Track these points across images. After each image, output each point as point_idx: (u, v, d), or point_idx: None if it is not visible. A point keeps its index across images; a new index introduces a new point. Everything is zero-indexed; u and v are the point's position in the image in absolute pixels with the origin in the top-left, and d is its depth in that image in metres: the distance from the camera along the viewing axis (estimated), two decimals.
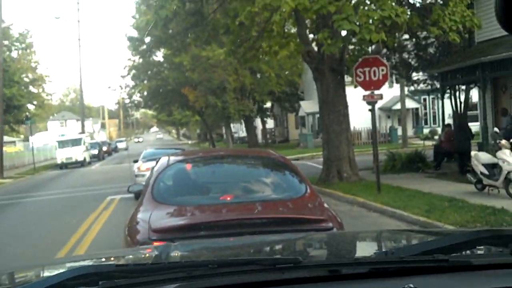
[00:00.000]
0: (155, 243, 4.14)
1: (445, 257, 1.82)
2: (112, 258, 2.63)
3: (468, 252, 2.01)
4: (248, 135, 43.07)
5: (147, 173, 14.92)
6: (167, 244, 3.09)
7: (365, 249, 2.70)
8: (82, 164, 38.72)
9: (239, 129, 62.56)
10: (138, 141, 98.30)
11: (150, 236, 4.29)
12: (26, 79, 38.82)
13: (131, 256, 2.81)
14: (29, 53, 41.77)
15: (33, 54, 42.30)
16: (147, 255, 2.77)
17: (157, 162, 6.12)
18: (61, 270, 2.07)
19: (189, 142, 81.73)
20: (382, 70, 12.96)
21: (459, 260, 1.86)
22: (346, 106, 16.06)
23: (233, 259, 2.14)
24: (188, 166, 6.04)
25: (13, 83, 34.81)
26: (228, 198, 5.10)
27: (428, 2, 12.73)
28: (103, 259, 2.56)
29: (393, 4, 11.39)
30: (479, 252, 2.07)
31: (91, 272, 1.70)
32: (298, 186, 5.45)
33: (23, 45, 41.33)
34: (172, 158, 6.05)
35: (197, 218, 4.74)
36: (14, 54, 40.76)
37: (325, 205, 5.24)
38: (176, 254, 2.47)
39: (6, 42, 36.56)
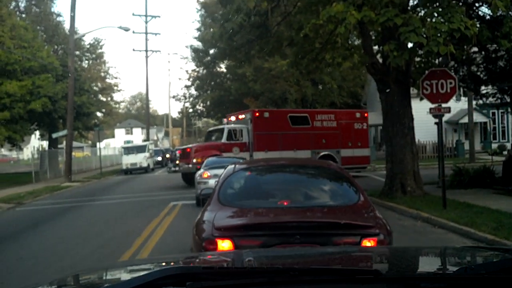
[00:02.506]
0: (218, 240, 4.74)
1: None
2: (192, 261, 2.72)
3: None
4: None
5: (209, 180, 15.40)
6: (238, 251, 3.19)
7: (439, 265, 2.67)
8: (146, 170, 39.54)
9: None
10: None
11: (213, 233, 4.83)
12: (95, 88, 40.39)
13: (205, 259, 2.89)
14: (99, 63, 43.43)
15: (103, 64, 43.96)
16: (220, 259, 2.83)
17: (225, 169, 6.66)
18: (144, 271, 2.17)
19: None
20: (450, 83, 12.66)
21: None
22: (411, 119, 15.77)
23: (314, 268, 2.17)
24: (251, 174, 6.66)
25: (83, 91, 36.28)
26: (285, 203, 5.54)
27: (499, 14, 12.27)
28: (181, 262, 2.63)
29: (462, 16, 11.07)
30: None
31: (178, 273, 1.77)
32: (352, 194, 5.81)
33: (94, 56, 43.06)
34: (237, 166, 6.66)
35: (255, 219, 5.18)
36: (85, 64, 42.62)
37: (377, 213, 5.41)
38: (251, 260, 2.52)
39: (77, 53, 38.21)
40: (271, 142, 24.12)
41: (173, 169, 25.43)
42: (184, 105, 55.75)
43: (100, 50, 43.01)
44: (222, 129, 25.13)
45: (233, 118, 26.60)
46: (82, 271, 2.49)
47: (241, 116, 25.65)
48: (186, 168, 23.77)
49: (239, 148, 24.01)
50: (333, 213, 5.33)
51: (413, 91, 16.20)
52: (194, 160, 23.34)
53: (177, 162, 24.95)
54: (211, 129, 30.00)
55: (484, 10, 14.37)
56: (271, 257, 2.78)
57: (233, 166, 6.64)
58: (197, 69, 44.89)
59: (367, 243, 4.75)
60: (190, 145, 27.08)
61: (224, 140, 24.06)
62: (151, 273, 1.82)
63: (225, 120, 28.51)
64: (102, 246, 10.61)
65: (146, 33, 42.46)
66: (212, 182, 15.51)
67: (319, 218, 5.13)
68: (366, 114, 28.10)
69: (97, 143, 41.37)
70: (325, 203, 5.71)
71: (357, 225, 4.94)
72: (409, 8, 13.59)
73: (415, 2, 13.76)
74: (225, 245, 4.78)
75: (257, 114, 24.74)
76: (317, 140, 25.28)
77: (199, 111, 54.52)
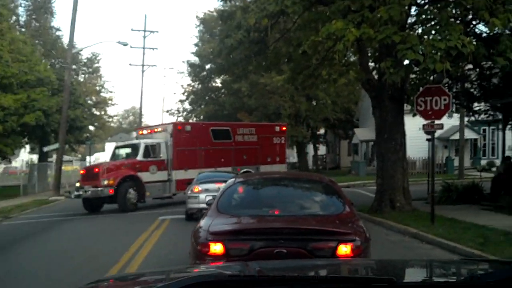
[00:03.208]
0: (211, 243, 5.41)
1: None
2: (207, 271, 2.82)
3: None
4: (299, 160, 43.17)
5: (200, 195, 15.33)
6: (244, 262, 3.35)
7: (445, 274, 2.74)
8: None
9: (290, 155, 62.60)
10: None
11: (207, 237, 5.52)
12: (90, 102, 40.37)
13: (216, 269, 2.99)
14: (95, 77, 43.49)
15: (99, 78, 44.04)
16: (229, 268, 2.89)
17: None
18: (158, 281, 2.28)
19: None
20: (444, 99, 12.76)
21: None
22: (403, 135, 15.96)
23: (333, 276, 2.32)
24: (249, 186, 7.42)
25: (78, 105, 36.22)
26: (276, 212, 6.28)
27: (495, 32, 12.56)
28: (195, 271, 2.73)
29: (460, 34, 11.36)
30: None
31: (207, 280, 1.88)
32: (338, 205, 6.54)
33: (90, 70, 43.14)
34: (237, 179, 7.52)
35: (245, 225, 5.95)
36: (81, 77, 42.63)
37: (360, 223, 6.08)
38: (261, 271, 2.55)
39: (74, 66, 38.30)
40: (192, 158, 21.83)
41: (76, 193, 20.43)
42: (177, 119, 55.77)
43: (96, 64, 43.16)
44: (137, 145, 21.55)
45: (145, 132, 23.54)
46: (94, 282, 2.52)
47: (158, 129, 22.80)
48: (95, 192, 19.71)
49: (157, 166, 21.05)
50: (316, 221, 5.98)
51: (406, 107, 16.45)
52: (106, 182, 19.55)
53: (78, 184, 20.84)
54: (120, 144, 25.08)
55: (481, 28, 14.69)
56: (279, 268, 2.85)
57: (233, 179, 7.53)
58: (193, 84, 45.13)
59: (343, 247, 5.36)
60: (98, 164, 22.51)
61: (140, 157, 20.73)
62: (180, 281, 1.90)
63: (134, 133, 24.36)
64: (89, 260, 10.43)
65: (144, 48, 42.61)
66: (203, 197, 15.31)
67: (301, 225, 5.74)
68: (284, 128, 26.90)
69: (87, 157, 41.14)
70: (312, 212, 6.42)
71: (334, 231, 5.60)
72: (407, 25, 13.89)
73: (413, 20, 14.03)
74: (216, 248, 5.40)
75: (180, 127, 22.29)
76: (238, 156, 23.51)
77: None
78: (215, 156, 22.60)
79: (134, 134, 23.41)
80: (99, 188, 19.48)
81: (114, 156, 22.61)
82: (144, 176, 20.53)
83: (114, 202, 20.06)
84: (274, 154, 25.39)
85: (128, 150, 22.25)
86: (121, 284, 2.61)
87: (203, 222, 6.03)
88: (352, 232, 5.63)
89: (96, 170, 20.42)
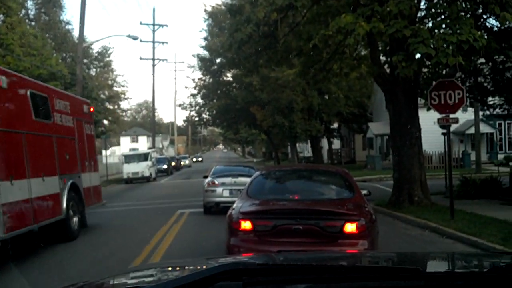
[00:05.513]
0: (241, 221, 6.56)
1: None
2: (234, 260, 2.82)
3: None
4: (314, 155, 43.05)
5: (217, 188, 15.52)
6: (269, 254, 3.79)
7: (470, 265, 2.73)
8: (148, 179, 37.70)
9: (304, 149, 62.50)
10: (198, 160, 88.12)
11: (239, 216, 6.70)
12: (103, 96, 40.55)
13: (243, 259, 3.00)
14: (107, 71, 43.69)
15: (111, 72, 44.24)
16: (256, 259, 2.90)
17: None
18: (186, 270, 2.34)
19: (254, 160, 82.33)
20: (458, 93, 12.74)
21: None
22: (418, 129, 15.79)
23: (359, 266, 2.36)
24: (274, 175, 8.85)
25: (91, 99, 36.26)
26: (296, 197, 7.44)
27: (506, 26, 12.33)
28: (231, 261, 2.72)
29: (471, 28, 11.15)
30: None
31: (235, 269, 1.87)
32: (349, 192, 7.59)
33: (102, 64, 43.35)
34: (264, 171, 9.16)
35: (268, 207, 7.09)
36: (93, 72, 42.91)
37: (366, 206, 7.12)
38: (288, 261, 2.61)
39: (85, 61, 38.46)
40: (16, 154, 9.91)
41: None
42: (190, 114, 55.80)
43: (108, 58, 43.36)
44: None
45: None
46: (123, 272, 2.58)
47: None
48: None
49: None
50: (328, 204, 6.97)
51: (420, 101, 16.25)
52: None
53: None
54: None
55: (492, 22, 14.46)
56: (304, 259, 2.87)
57: (260, 171, 9.14)
58: (204, 78, 45.13)
59: (349, 225, 6.33)
60: None
61: None
62: (209, 269, 1.90)
63: None
64: (112, 253, 10.67)
65: (154, 41, 42.73)
66: (219, 191, 15.59)
67: (314, 207, 6.79)
68: (92, 109, 15.54)
69: (103, 151, 41.26)
70: (326, 197, 7.50)
71: (341, 212, 6.68)
72: (417, 19, 13.67)
73: (423, 14, 13.82)
74: (246, 224, 6.53)
75: None
76: (61, 154, 12.22)
77: (204, 120, 54.54)
78: (38, 152, 11.09)
79: None
80: None
81: None
82: None
83: None
84: (91, 154, 14.93)
85: None
86: (149, 273, 2.64)
87: (236, 205, 7.25)
88: (358, 213, 6.62)
89: None
